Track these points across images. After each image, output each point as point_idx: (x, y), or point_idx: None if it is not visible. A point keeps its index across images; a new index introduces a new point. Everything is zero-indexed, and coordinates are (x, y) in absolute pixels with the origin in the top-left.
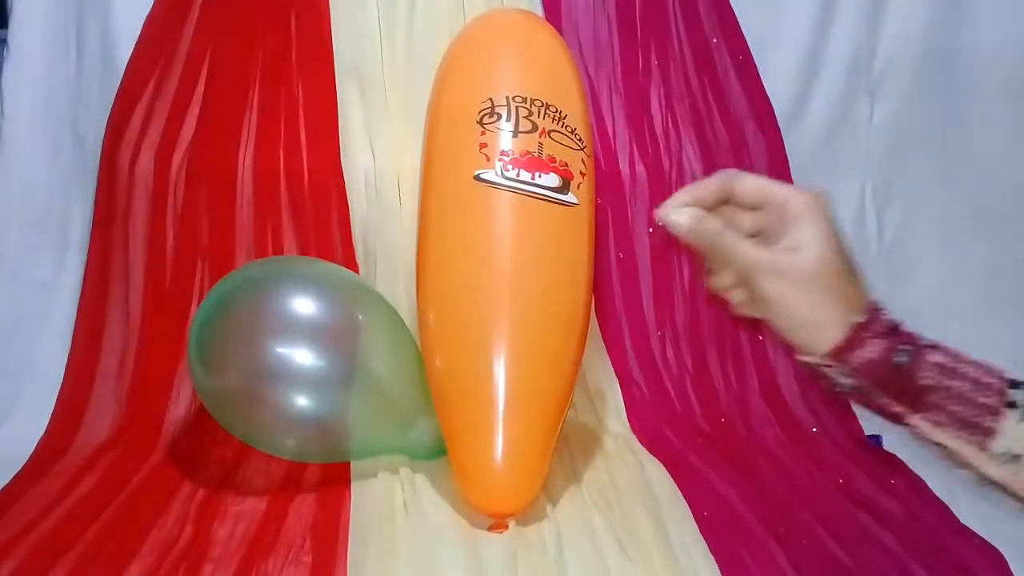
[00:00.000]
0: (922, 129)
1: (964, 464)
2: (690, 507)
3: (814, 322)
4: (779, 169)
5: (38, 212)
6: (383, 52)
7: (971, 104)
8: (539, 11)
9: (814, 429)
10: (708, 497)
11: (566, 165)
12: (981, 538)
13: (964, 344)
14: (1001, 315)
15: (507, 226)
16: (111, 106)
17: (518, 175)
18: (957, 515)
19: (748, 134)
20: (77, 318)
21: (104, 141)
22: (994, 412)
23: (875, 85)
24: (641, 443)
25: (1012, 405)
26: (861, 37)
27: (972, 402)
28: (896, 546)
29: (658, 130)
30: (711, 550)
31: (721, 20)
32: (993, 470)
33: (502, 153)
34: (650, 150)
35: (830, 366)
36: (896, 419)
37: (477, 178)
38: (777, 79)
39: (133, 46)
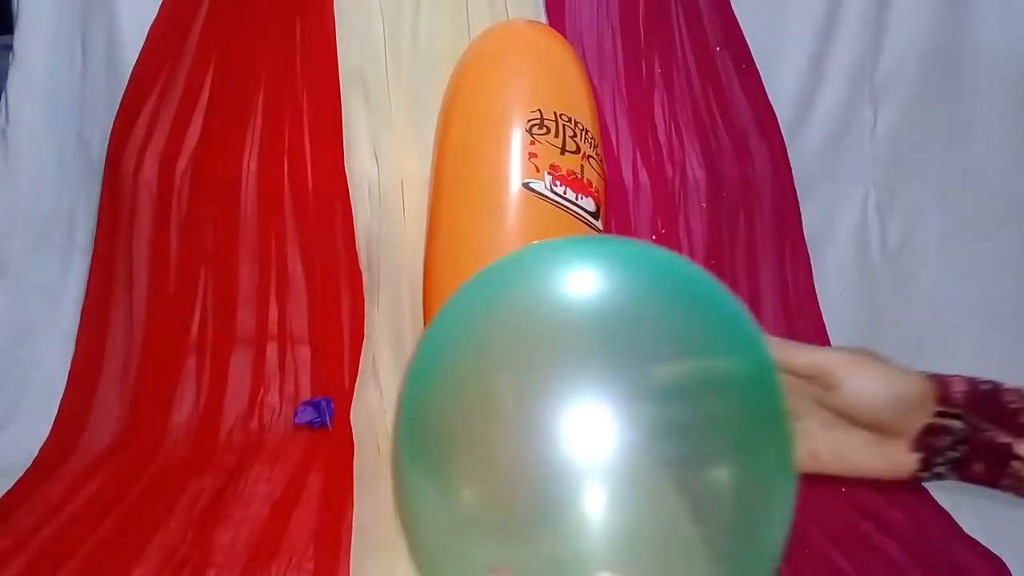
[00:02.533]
0: (925, 137)
1: None
2: None
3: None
4: (783, 177)
5: (43, 218)
6: (387, 59)
7: (974, 112)
8: (543, 18)
9: None
10: None
11: (598, 192)
12: (984, 547)
13: (967, 351)
14: (1004, 323)
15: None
16: (116, 113)
17: (564, 192)
18: (960, 524)
19: (752, 142)
20: (81, 323)
21: (109, 147)
22: None
23: (878, 93)
24: None
25: None
26: (864, 46)
27: None
28: (899, 555)
29: (661, 138)
30: None
31: (725, 28)
32: None
33: (552, 167)
34: (653, 158)
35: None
36: (1004, 456)
37: (526, 186)
38: (780, 87)
39: (138, 53)
